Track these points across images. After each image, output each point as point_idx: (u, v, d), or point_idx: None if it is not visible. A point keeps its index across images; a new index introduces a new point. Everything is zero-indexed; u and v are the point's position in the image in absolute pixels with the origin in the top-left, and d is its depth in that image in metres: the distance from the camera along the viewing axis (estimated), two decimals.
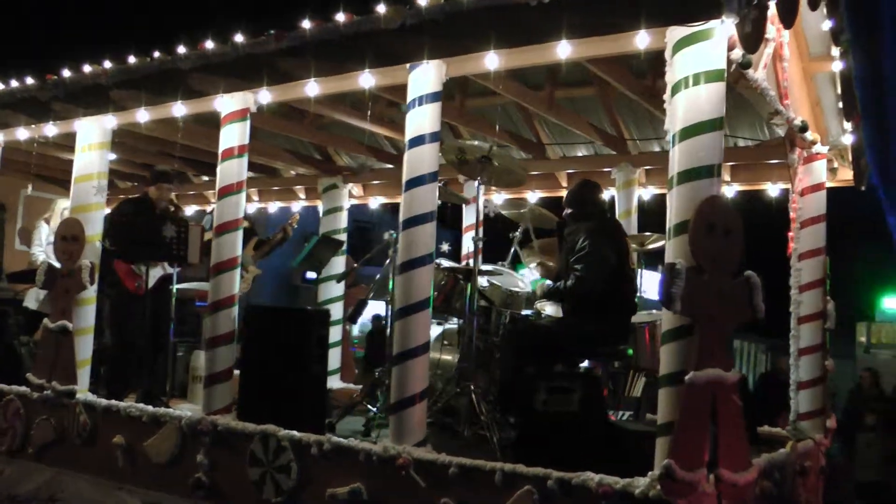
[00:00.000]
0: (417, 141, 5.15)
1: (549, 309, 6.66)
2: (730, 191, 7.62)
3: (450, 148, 5.75)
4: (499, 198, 8.36)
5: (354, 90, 5.49)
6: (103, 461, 6.15)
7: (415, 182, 5.15)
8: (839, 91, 6.18)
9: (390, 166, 9.10)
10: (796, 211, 6.49)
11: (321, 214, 9.03)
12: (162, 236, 6.71)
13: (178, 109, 6.08)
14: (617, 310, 5.74)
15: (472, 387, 5.49)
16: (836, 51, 5.88)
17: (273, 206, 9.95)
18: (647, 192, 7.94)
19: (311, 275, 24.92)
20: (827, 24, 5.64)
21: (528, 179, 6.38)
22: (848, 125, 6.40)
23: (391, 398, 5.13)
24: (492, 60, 4.69)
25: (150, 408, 6.13)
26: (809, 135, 6.28)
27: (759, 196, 7.65)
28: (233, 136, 6.03)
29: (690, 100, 4.35)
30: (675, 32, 4.36)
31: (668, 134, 4.50)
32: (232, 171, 6.05)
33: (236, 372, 6.06)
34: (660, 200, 8.08)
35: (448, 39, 4.71)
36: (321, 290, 8.67)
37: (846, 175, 6.91)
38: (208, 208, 10.19)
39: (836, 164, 6.85)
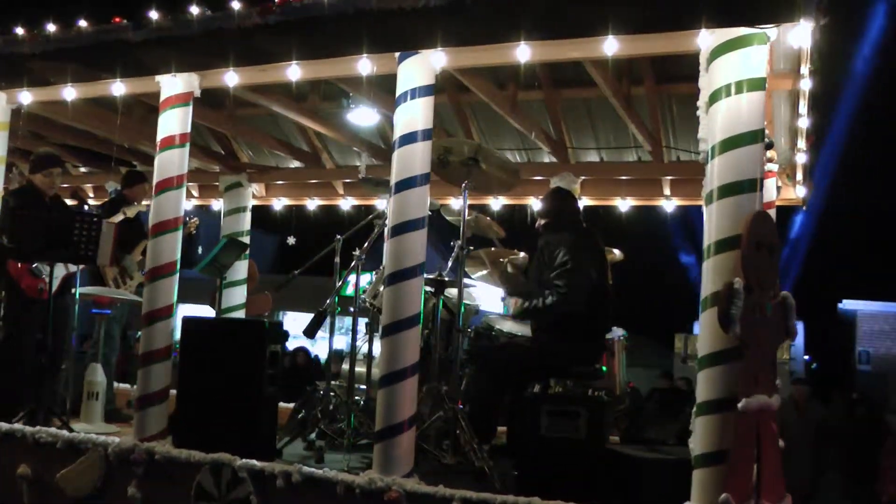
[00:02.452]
0: (408, 138, 4.66)
1: (500, 323, 6.30)
2: (669, 206, 7.54)
3: (433, 147, 5.25)
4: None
5: (340, 76, 4.89)
6: (4, 496, 5.23)
7: (405, 184, 4.65)
8: (801, 110, 6.16)
9: (296, 165, 8.49)
10: None
11: (223, 214, 8.26)
12: (72, 233, 5.83)
13: (117, 88, 5.26)
14: (595, 327, 5.44)
15: (457, 409, 5.02)
16: (804, 69, 5.85)
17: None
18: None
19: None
20: (807, 41, 5.57)
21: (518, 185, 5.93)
22: (802, 144, 6.40)
23: (376, 424, 4.59)
24: (523, 52, 4.24)
25: (65, 433, 5.31)
26: (769, 152, 6.25)
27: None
28: (173, 122, 5.33)
29: (731, 109, 4.09)
30: (715, 36, 4.11)
31: (702, 143, 4.24)
32: (172, 162, 5.34)
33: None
34: (593, 212, 7.88)
35: (470, 26, 4.22)
36: (224, 296, 7.88)
37: (788, 194, 6.95)
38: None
39: (779, 183, 6.86)
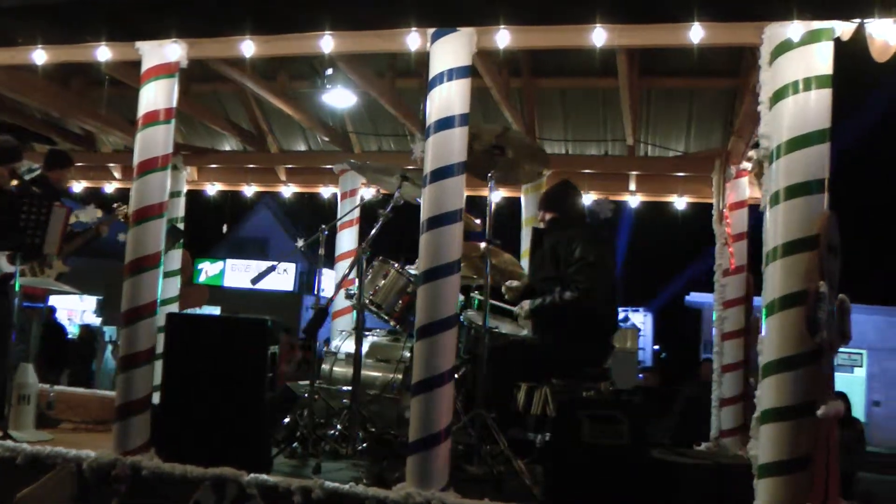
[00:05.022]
0: (444, 123, 4.30)
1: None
2: (634, 201, 7.45)
3: None
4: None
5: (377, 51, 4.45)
6: None
7: (441, 173, 4.28)
8: None
9: (229, 148, 7.91)
10: (730, 226, 6.44)
11: None
12: (19, 217, 5.13)
13: (92, 53, 4.61)
14: (606, 325, 5.25)
15: (486, 415, 4.69)
16: None
17: (78, 186, 8.16)
18: None
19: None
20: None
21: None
22: None
23: (410, 435, 4.21)
24: (599, 36, 3.94)
25: (25, 446, 4.65)
26: (751, 152, 6.24)
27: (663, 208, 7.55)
28: (157, 95, 4.73)
29: (799, 107, 3.94)
30: (782, 30, 3.97)
31: (764, 140, 4.09)
32: (156, 140, 4.75)
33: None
34: None
35: (539, 4, 3.89)
36: None
37: (754, 193, 6.97)
38: None
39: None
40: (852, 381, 23.48)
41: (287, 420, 5.30)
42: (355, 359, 5.10)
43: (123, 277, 4.69)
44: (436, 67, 4.30)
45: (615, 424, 4.36)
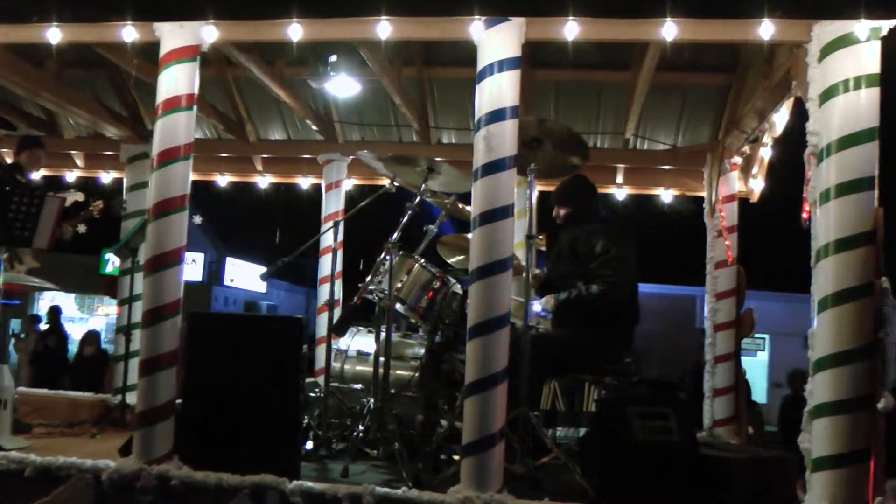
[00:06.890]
0: (496, 116, 4.18)
1: None
2: (620, 194, 7.45)
3: None
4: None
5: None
6: None
7: (493, 167, 4.17)
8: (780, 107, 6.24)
9: (199, 136, 7.55)
10: (724, 219, 6.51)
11: (125, 190, 7.12)
12: (9, 208, 4.78)
13: (128, 33, 4.31)
14: (631, 318, 5.22)
15: (529, 413, 4.57)
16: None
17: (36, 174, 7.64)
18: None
19: None
20: None
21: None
22: (768, 139, 6.49)
23: (465, 436, 4.08)
24: (669, 30, 3.87)
25: (33, 457, 4.33)
26: (745, 147, 6.33)
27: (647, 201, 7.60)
28: (178, 80, 4.47)
29: (850, 106, 4.00)
30: (831, 28, 3.98)
31: (813, 137, 4.11)
32: (177, 128, 4.48)
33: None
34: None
35: None
36: (124, 284, 6.72)
37: (742, 187, 7.05)
38: None
39: None
40: (755, 365, 24.44)
41: (305, 421, 5.09)
42: (386, 356, 4.94)
43: (144, 275, 4.41)
44: (485, 58, 4.18)
45: (664, 420, 4.33)
